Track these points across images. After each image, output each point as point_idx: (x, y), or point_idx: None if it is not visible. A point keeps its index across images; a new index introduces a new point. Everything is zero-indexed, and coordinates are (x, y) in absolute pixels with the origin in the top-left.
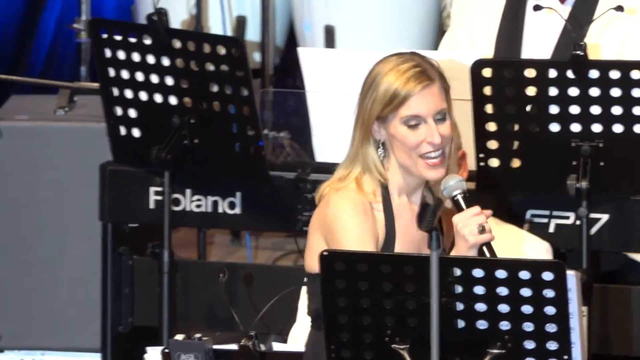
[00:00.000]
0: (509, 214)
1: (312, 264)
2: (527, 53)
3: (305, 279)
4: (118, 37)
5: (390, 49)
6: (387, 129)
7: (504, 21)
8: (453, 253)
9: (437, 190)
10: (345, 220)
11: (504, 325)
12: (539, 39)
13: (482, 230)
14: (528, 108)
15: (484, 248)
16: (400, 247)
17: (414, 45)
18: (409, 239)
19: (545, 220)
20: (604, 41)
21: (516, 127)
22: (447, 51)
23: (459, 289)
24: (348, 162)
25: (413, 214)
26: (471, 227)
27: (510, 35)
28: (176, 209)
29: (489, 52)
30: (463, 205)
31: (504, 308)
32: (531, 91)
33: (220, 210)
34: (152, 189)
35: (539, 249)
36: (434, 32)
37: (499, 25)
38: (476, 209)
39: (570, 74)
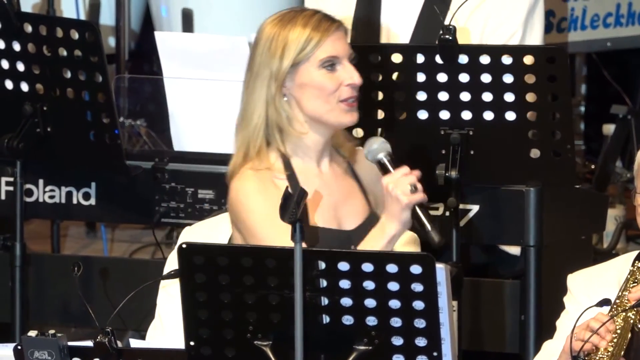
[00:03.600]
0: None
1: None
2: (385, 38)
3: None
4: None
5: (250, 32)
6: (295, 80)
7: (359, 7)
8: (384, 217)
9: (345, 152)
10: (250, 203)
11: (371, 320)
12: (397, 22)
13: (415, 189)
14: (395, 95)
15: (417, 209)
16: (315, 216)
17: None
18: (324, 207)
19: None
20: (472, 25)
21: (383, 115)
22: None
23: (323, 282)
24: (247, 137)
25: (323, 181)
26: (403, 187)
27: (367, 19)
28: (28, 199)
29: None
30: (390, 167)
31: (370, 303)
32: (398, 77)
33: (74, 201)
34: (4, 179)
35: (406, 240)
36: None
37: (355, 10)
38: (405, 169)
39: (438, 59)
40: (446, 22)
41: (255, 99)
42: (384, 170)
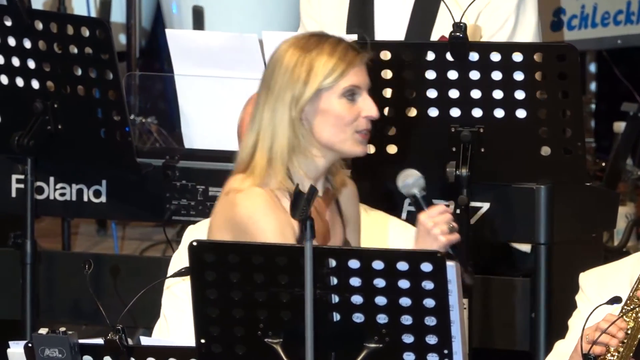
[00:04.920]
0: (386, 203)
1: None
2: (380, 36)
3: None
4: None
5: (261, 30)
6: (315, 106)
7: (352, 6)
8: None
9: (335, 180)
10: (262, 221)
11: (382, 318)
12: (391, 21)
13: (452, 229)
14: (405, 92)
15: (450, 249)
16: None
17: (285, 27)
18: (319, 231)
19: None
20: (469, 19)
21: (392, 112)
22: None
23: (334, 280)
24: (267, 156)
25: (319, 206)
26: (442, 226)
27: (361, 19)
28: (39, 197)
29: (350, 38)
30: (424, 204)
31: (381, 300)
32: (408, 74)
33: (85, 198)
34: (14, 177)
35: (410, 236)
36: None
37: (348, 10)
38: (442, 207)
39: (449, 56)
40: (457, 20)
41: (278, 122)
42: (418, 206)
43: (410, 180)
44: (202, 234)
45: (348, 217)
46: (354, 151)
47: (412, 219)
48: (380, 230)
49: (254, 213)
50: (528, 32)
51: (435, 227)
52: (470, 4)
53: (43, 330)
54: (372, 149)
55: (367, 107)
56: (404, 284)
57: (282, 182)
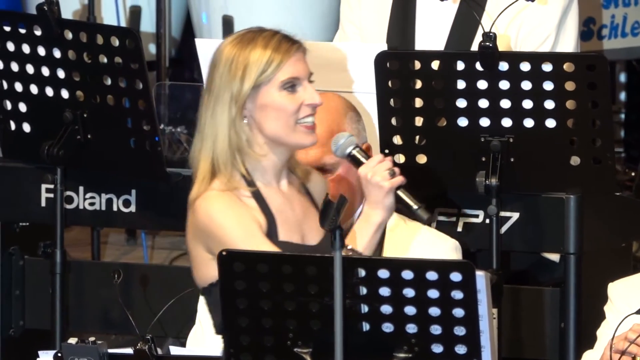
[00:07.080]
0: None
1: (204, 276)
2: (420, 45)
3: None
4: (7, 28)
5: None
6: (256, 102)
7: (394, 14)
8: (367, 207)
9: (298, 171)
10: (220, 218)
11: (411, 328)
12: (432, 30)
13: (393, 173)
14: (435, 102)
15: (400, 193)
16: (284, 231)
17: (315, 36)
18: (290, 222)
19: (453, 218)
20: (509, 32)
21: (422, 122)
22: (352, 42)
23: (363, 290)
24: (212, 162)
25: (285, 199)
26: (382, 173)
27: (402, 28)
28: (69, 207)
29: (381, 47)
30: (362, 158)
31: (410, 310)
32: (438, 84)
33: (114, 208)
34: (44, 186)
35: (448, 247)
36: (336, 24)
37: (389, 18)
38: (379, 156)
39: (478, 66)
40: (486, 29)
41: (218, 123)
42: (357, 162)
43: (341, 141)
44: None
45: (319, 201)
46: (302, 142)
47: (441, 228)
48: (419, 241)
49: (212, 212)
50: (567, 50)
51: (375, 175)
52: (498, 15)
53: (72, 340)
54: (402, 159)
55: (309, 95)
56: (433, 293)
57: (234, 183)
